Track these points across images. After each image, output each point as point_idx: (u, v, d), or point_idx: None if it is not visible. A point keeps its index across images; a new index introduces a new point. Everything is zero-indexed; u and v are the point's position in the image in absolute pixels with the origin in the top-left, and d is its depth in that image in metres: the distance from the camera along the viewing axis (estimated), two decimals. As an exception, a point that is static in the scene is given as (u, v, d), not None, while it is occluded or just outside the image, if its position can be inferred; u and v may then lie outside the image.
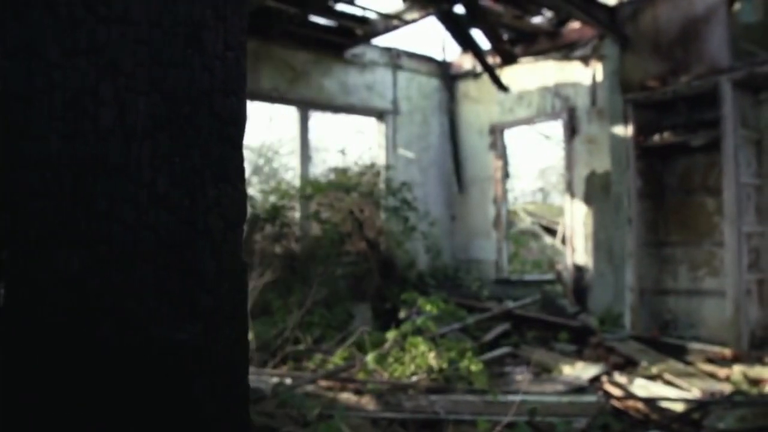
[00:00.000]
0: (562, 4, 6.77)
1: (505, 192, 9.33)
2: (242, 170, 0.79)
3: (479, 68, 8.86)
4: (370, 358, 5.09)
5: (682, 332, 6.69)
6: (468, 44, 8.19)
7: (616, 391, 4.84)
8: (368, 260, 7.75)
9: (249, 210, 7.20)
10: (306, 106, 8.32)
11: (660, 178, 7.09)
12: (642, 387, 4.94)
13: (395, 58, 9.12)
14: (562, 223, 10.08)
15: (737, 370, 5.35)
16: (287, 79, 7.95)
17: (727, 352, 5.86)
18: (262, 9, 6.83)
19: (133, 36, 0.71)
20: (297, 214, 7.89)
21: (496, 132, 9.19)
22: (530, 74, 8.60)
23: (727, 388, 4.93)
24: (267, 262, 6.66)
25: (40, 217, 0.66)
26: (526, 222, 14.00)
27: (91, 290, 0.67)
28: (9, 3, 0.65)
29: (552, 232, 12.82)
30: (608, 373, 5.40)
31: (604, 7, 7.09)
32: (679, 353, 5.97)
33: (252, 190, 7.95)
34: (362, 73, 8.77)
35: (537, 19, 8.15)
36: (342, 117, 9.31)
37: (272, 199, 7.64)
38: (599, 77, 7.76)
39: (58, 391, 0.65)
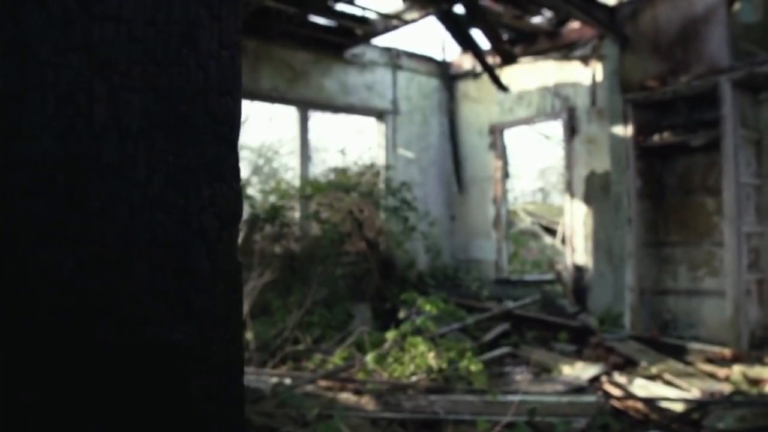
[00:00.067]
0: (562, 4, 6.76)
1: (504, 192, 9.33)
2: (237, 170, 0.79)
3: (479, 68, 8.86)
4: (369, 358, 5.09)
5: (682, 332, 6.69)
6: (468, 44, 8.19)
7: (615, 391, 4.84)
8: (368, 260, 7.75)
9: (249, 210, 7.20)
10: (306, 106, 8.31)
11: (660, 178, 7.09)
12: (642, 387, 4.94)
13: (395, 58, 9.12)
14: (561, 223, 10.09)
15: (737, 370, 5.34)
16: (287, 79, 7.95)
17: (727, 352, 5.86)
18: (261, 9, 6.82)
19: (127, 34, 0.70)
20: (297, 214, 7.89)
21: (495, 132, 9.18)
22: (530, 74, 8.60)
23: (726, 388, 4.93)
24: (266, 262, 6.65)
25: (34, 217, 0.65)
26: (525, 222, 14.00)
27: (85, 290, 0.67)
28: (0, 0, 0.64)
29: (552, 232, 12.82)
30: (608, 373, 5.40)
31: (604, 7, 7.09)
32: (678, 353, 5.97)
33: (252, 190, 7.94)
34: (362, 73, 8.77)
35: (537, 19, 8.15)
36: (342, 117, 9.31)
37: (272, 199, 7.64)
38: (599, 77, 7.76)
39: (57, 391, 0.65)
